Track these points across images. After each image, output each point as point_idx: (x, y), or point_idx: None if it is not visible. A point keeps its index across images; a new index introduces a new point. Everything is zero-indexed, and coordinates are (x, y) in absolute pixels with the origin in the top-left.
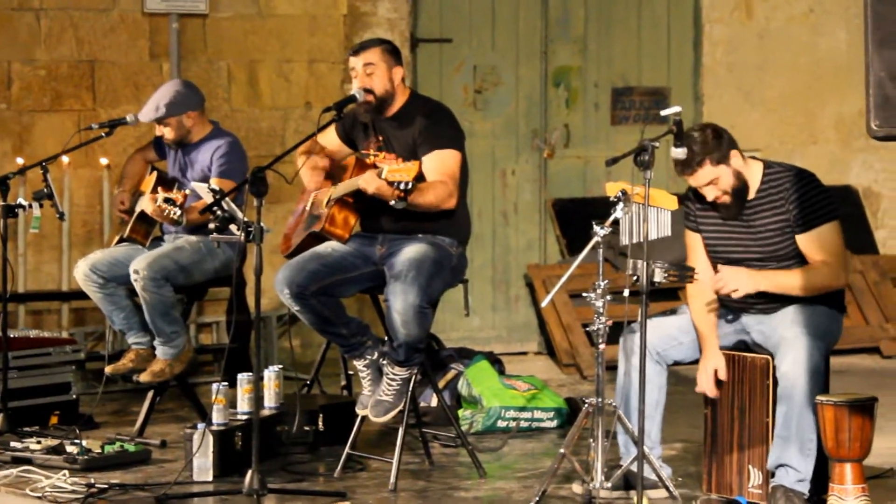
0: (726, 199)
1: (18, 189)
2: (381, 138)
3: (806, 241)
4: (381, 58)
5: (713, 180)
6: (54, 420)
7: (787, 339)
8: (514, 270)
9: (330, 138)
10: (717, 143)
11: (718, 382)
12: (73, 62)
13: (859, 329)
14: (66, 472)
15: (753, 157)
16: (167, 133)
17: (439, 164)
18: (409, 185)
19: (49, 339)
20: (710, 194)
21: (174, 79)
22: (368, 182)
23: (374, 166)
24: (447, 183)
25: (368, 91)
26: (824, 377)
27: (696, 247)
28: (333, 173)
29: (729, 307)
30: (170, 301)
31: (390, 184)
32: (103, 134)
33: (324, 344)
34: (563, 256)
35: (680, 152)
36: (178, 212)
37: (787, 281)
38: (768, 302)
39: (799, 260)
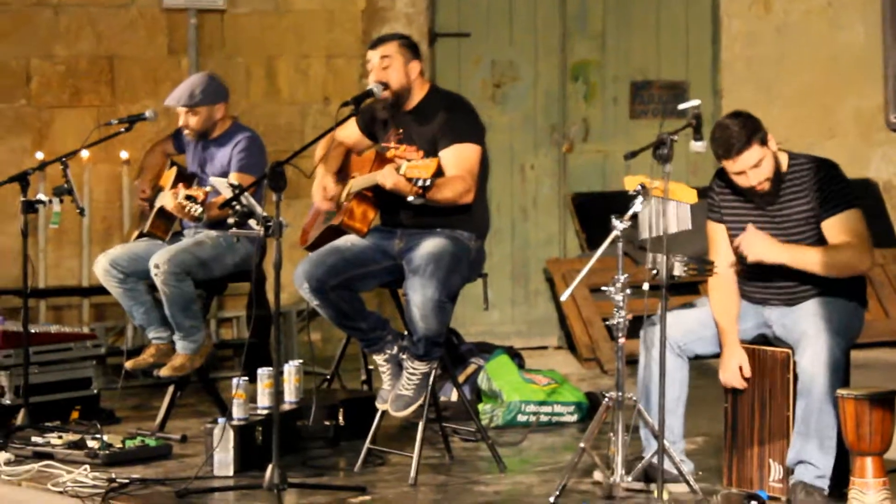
0: (766, 185)
1: (38, 185)
2: (400, 131)
3: (829, 226)
4: (397, 51)
5: (758, 162)
6: (75, 415)
7: (807, 335)
8: (533, 265)
9: (350, 131)
10: (756, 125)
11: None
12: (91, 58)
13: (880, 323)
14: (87, 466)
15: (781, 149)
16: (193, 122)
17: (459, 157)
18: (428, 183)
19: (70, 335)
20: (753, 178)
21: (202, 71)
22: (386, 177)
23: (395, 160)
24: (465, 178)
25: (385, 85)
26: (844, 373)
27: (718, 238)
28: (351, 170)
29: (750, 300)
30: (190, 295)
31: (409, 180)
32: (122, 129)
33: (344, 339)
34: (583, 251)
35: (700, 146)
36: (200, 209)
37: (810, 257)
38: (790, 295)
39: None
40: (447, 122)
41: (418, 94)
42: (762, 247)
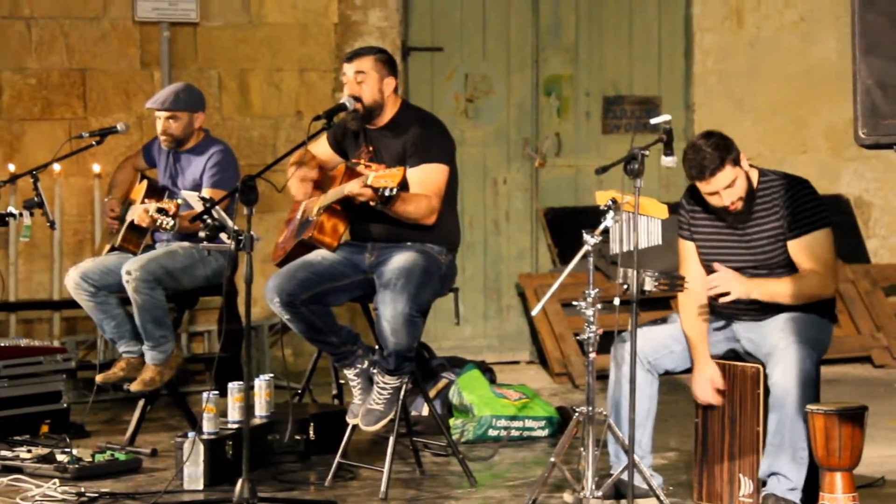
0: (739, 204)
1: (9, 198)
2: (371, 148)
3: (796, 248)
4: (372, 66)
5: (732, 182)
6: (45, 429)
7: (778, 348)
8: (505, 279)
9: (322, 148)
10: (729, 145)
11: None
12: (63, 70)
13: (851, 338)
14: (56, 480)
15: (750, 165)
16: (174, 128)
17: (426, 178)
18: (393, 192)
19: (40, 348)
20: (726, 198)
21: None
22: (354, 189)
23: (363, 172)
24: (431, 198)
25: (357, 99)
26: (816, 386)
27: (688, 256)
28: (323, 184)
29: (719, 315)
30: (161, 304)
31: (375, 190)
32: (94, 142)
33: (315, 353)
34: (555, 265)
35: (670, 161)
36: (172, 222)
37: (778, 289)
38: (759, 310)
39: (790, 268)
40: (417, 140)
41: (391, 111)
42: (733, 285)
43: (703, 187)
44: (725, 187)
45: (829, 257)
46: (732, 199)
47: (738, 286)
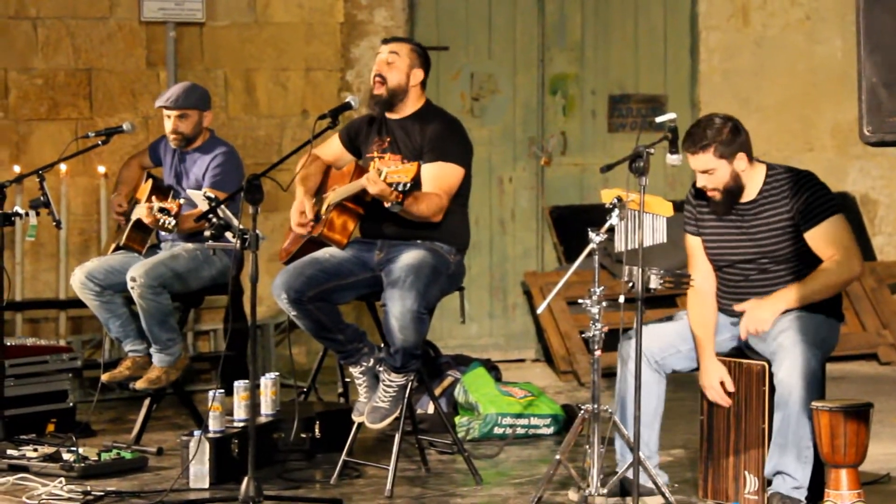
0: (716, 194)
1: (15, 197)
2: (388, 139)
3: (814, 238)
4: (407, 53)
5: (709, 170)
6: (51, 428)
7: (784, 347)
8: (511, 278)
9: (332, 148)
10: (730, 139)
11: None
12: (70, 70)
13: (857, 335)
14: (62, 479)
15: (758, 160)
16: (183, 126)
17: (440, 176)
18: (407, 186)
19: (46, 347)
20: (700, 181)
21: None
22: (370, 182)
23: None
24: (441, 197)
25: (381, 80)
26: (821, 384)
27: (696, 252)
28: (328, 185)
29: (726, 312)
30: (167, 309)
31: (389, 185)
32: (100, 142)
33: (321, 351)
34: (561, 263)
35: (675, 159)
36: (173, 221)
37: (805, 291)
38: None
39: (796, 262)
40: (436, 138)
41: (413, 104)
42: (762, 316)
43: (690, 160)
44: (702, 171)
45: (848, 240)
46: (708, 186)
47: (767, 314)
